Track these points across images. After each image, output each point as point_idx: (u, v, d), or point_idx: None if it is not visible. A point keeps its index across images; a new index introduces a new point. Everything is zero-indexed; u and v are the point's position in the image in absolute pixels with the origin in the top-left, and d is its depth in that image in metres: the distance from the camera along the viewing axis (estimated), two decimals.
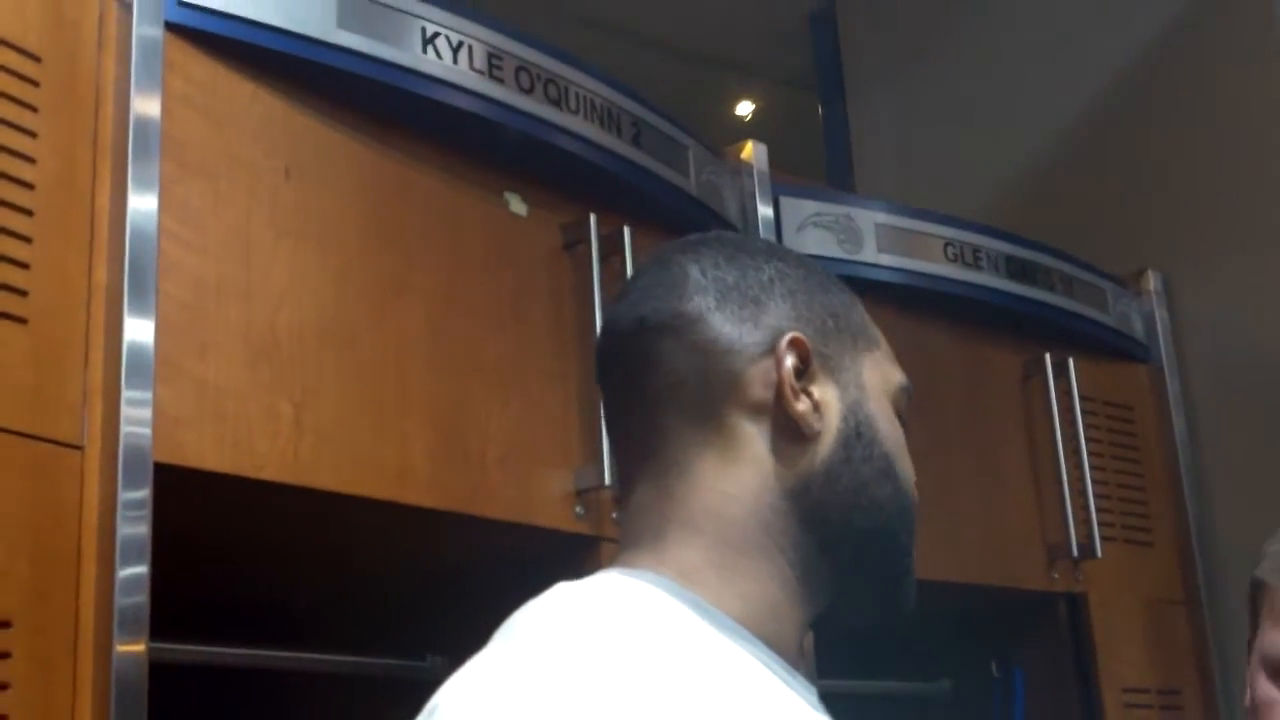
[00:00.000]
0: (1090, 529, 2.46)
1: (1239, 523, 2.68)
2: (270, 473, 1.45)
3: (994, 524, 2.37)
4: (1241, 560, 2.55)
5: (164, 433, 1.37)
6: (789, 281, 1.00)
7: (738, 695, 0.85)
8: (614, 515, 1.79)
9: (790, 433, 0.95)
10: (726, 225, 2.10)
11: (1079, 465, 2.49)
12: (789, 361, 0.96)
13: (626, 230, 1.87)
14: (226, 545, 1.69)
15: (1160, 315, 2.82)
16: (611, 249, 1.86)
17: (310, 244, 1.56)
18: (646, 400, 0.98)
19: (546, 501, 1.74)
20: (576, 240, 1.85)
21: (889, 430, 0.99)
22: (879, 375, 1.01)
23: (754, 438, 0.95)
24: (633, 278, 1.06)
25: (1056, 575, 2.46)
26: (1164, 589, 2.66)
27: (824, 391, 0.97)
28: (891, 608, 1.03)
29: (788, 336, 0.96)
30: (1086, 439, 2.52)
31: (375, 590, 1.90)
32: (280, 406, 1.48)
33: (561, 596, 0.91)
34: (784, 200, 2.23)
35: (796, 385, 0.95)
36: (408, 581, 1.88)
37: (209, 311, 1.45)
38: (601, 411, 1.06)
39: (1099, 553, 2.45)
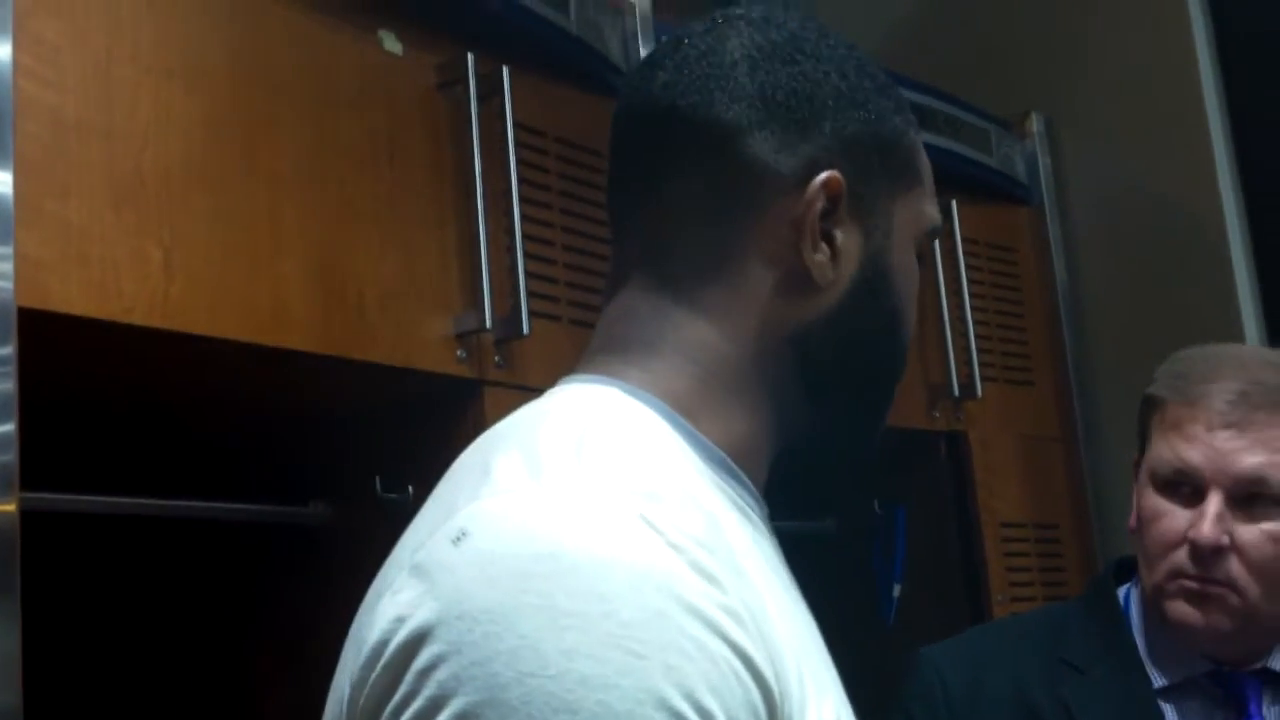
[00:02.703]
0: (971, 369, 2.50)
1: (1116, 361, 2.74)
2: (139, 316, 1.41)
3: None
4: (1118, 398, 2.62)
5: (27, 277, 1.32)
6: (844, 103, 0.93)
7: (730, 539, 0.82)
8: (496, 359, 1.78)
9: (800, 279, 0.91)
10: (609, 66, 2.06)
11: (960, 306, 2.52)
12: (819, 205, 0.90)
13: (505, 70, 1.83)
14: (99, 393, 1.66)
15: (1042, 158, 2.85)
16: (490, 90, 1.82)
17: (175, 81, 1.51)
18: (657, 200, 0.93)
19: (427, 345, 1.72)
20: (453, 80, 1.80)
21: (903, 283, 0.96)
22: (911, 216, 0.96)
23: (762, 279, 0.91)
24: (673, 46, 0.95)
25: (937, 414, 2.50)
26: (1042, 427, 2.72)
27: (847, 238, 0.92)
28: (857, 451, 1.01)
29: (823, 177, 0.90)
30: (968, 280, 2.55)
31: (255, 437, 1.88)
32: (148, 249, 1.43)
33: (576, 418, 0.85)
34: None
35: (818, 231, 0.90)
36: (288, 428, 1.86)
37: (70, 152, 1.40)
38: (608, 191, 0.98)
39: (979, 392, 2.49)
